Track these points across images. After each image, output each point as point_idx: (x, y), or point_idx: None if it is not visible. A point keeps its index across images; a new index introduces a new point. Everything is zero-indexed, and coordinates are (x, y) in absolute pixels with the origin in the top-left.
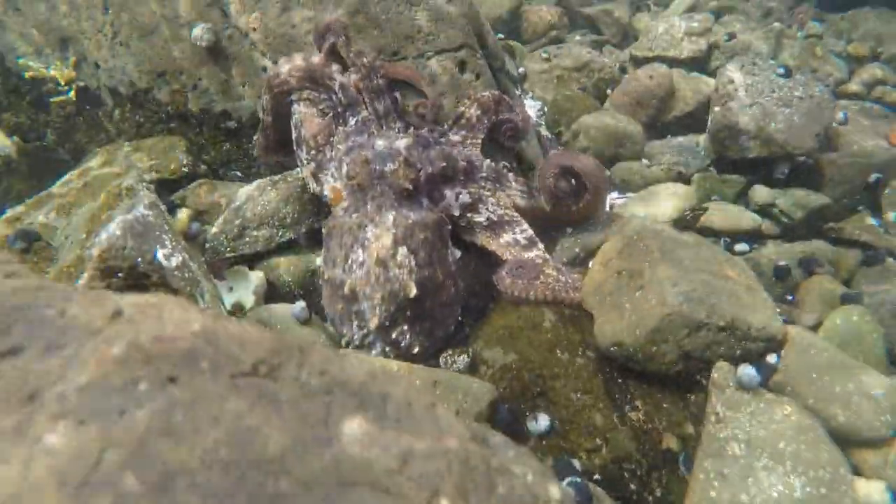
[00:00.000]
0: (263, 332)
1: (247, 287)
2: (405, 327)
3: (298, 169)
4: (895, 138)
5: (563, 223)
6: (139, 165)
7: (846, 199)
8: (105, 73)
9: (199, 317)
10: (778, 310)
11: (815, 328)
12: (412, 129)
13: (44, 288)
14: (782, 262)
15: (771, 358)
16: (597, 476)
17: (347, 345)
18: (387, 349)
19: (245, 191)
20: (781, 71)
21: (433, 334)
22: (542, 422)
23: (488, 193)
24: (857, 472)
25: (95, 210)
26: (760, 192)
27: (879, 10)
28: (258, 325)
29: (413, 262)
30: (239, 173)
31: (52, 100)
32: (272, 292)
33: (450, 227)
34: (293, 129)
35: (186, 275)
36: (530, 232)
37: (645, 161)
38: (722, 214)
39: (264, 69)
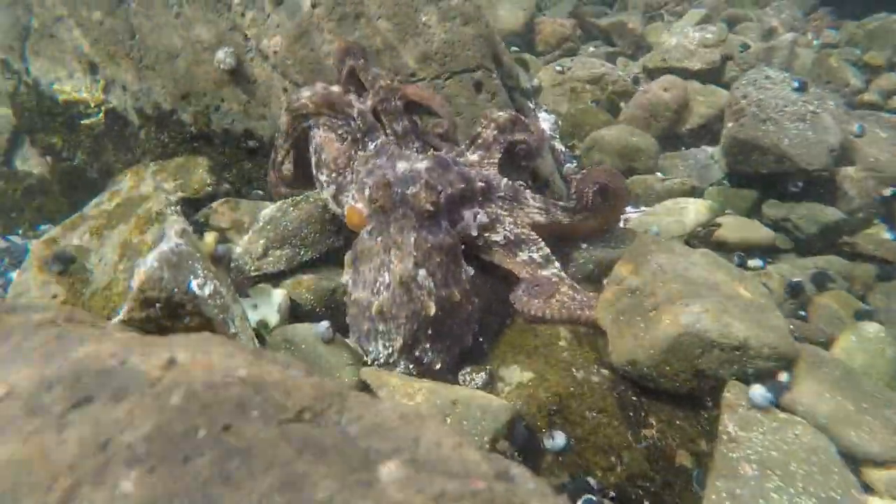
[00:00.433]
0: (304, 378)
1: (270, 305)
2: (427, 345)
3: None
4: None
5: (578, 237)
6: (165, 186)
7: (861, 213)
8: (132, 96)
9: (243, 360)
10: (791, 326)
11: (828, 345)
12: (431, 150)
13: (102, 339)
14: (795, 279)
15: (783, 376)
16: (612, 494)
17: (373, 362)
18: (410, 366)
19: (267, 211)
20: (796, 85)
21: (452, 350)
22: (559, 439)
23: (505, 213)
24: (869, 490)
25: (126, 234)
26: (774, 207)
27: None
28: (295, 362)
29: (432, 283)
30: (260, 191)
31: (82, 122)
32: (294, 309)
33: (463, 246)
34: (312, 153)
35: (218, 301)
36: (546, 250)
37: (659, 174)
38: (736, 229)
39: (285, 90)
